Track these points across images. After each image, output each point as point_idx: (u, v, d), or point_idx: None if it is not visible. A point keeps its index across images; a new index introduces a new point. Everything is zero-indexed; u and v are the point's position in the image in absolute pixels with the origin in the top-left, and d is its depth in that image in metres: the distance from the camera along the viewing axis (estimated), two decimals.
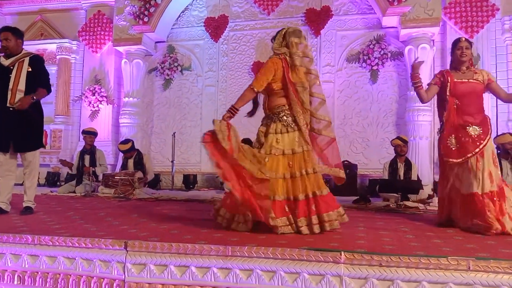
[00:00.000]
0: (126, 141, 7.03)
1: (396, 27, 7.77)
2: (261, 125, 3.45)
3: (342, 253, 2.27)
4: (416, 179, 6.10)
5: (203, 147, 3.15)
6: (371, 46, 7.89)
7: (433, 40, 7.61)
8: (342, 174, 3.42)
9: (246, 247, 2.41)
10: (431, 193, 6.22)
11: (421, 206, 5.10)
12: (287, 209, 3.10)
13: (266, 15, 8.51)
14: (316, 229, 3.03)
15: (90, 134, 7.08)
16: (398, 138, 6.27)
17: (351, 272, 2.23)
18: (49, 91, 4.19)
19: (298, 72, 3.34)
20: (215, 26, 8.66)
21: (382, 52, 7.85)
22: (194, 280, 2.42)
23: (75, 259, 2.66)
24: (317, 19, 8.16)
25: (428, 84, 3.80)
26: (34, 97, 3.99)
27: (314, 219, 3.05)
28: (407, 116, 7.51)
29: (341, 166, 3.49)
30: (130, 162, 6.97)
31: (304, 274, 2.28)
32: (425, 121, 7.39)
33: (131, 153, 6.98)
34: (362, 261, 2.24)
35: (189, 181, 7.98)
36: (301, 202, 3.09)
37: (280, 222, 3.03)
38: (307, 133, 3.31)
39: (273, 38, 3.47)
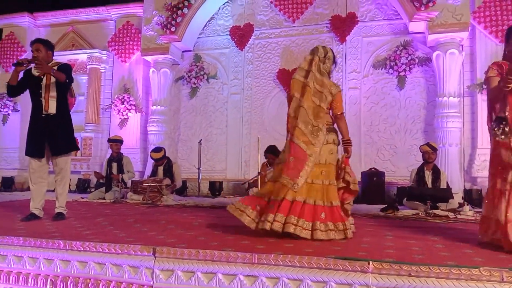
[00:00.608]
0: (158, 149, 7.12)
1: (423, 33, 7.65)
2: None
3: (370, 262, 2.24)
4: (445, 187, 5.96)
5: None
6: (398, 52, 7.79)
7: (461, 45, 7.46)
8: None
9: (273, 255, 2.41)
10: (462, 201, 6.06)
11: (451, 215, 4.97)
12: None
13: (291, 23, 8.54)
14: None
15: (115, 142, 7.23)
16: (427, 144, 6.14)
17: (379, 281, 2.20)
18: (68, 78, 4.22)
19: None
20: (241, 35, 8.75)
21: (409, 58, 7.73)
22: (220, 287, 2.44)
23: (105, 264, 2.72)
24: (343, 25, 8.13)
25: (487, 79, 3.07)
26: (54, 70, 4.08)
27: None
28: (436, 122, 7.36)
29: None
30: (160, 170, 7.10)
31: (331, 283, 2.26)
32: (455, 127, 7.22)
33: (162, 161, 7.10)
34: (390, 270, 2.21)
35: (215, 188, 8.05)
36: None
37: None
38: None
39: (315, 55, 3.48)
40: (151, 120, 8.97)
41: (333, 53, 3.59)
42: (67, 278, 2.80)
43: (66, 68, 4.29)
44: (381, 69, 8.00)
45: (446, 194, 5.64)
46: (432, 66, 7.60)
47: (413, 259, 2.43)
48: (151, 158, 7.35)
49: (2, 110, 9.94)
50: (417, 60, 7.76)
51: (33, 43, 4.27)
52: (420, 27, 7.56)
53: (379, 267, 2.22)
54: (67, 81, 4.23)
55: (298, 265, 2.34)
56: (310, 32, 8.48)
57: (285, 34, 8.65)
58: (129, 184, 7.04)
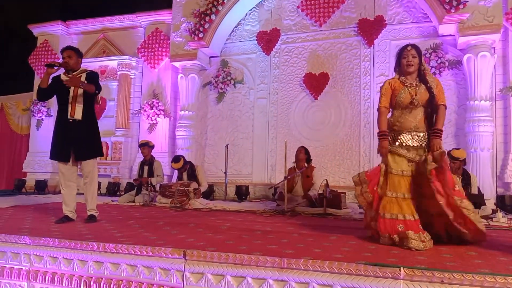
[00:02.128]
0: (177, 159, 7.16)
1: (453, 35, 7.50)
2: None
3: (402, 268, 2.21)
4: (476, 193, 5.79)
5: None
6: (428, 55, 7.65)
7: (493, 48, 7.27)
8: None
9: (302, 260, 2.41)
10: (494, 208, 5.89)
11: (483, 222, 4.83)
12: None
13: (318, 27, 8.52)
14: None
15: (144, 146, 7.37)
16: (449, 153, 5.57)
17: None
18: (97, 89, 4.36)
19: None
20: (267, 40, 8.78)
21: (439, 61, 7.58)
22: None
23: (136, 266, 2.78)
24: (370, 29, 8.05)
25: None
26: (83, 84, 4.20)
27: None
28: (467, 126, 7.18)
29: None
30: (184, 175, 7.19)
31: None
32: (487, 132, 7.03)
33: (185, 167, 7.19)
34: (422, 277, 2.18)
35: (242, 192, 8.08)
36: None
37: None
38: None
39: (414, 55, 3.37)
40: (179, 125, 9.10)
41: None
42: (100, 279, 2.88)
43: (94, 77, 4.42)
44: None
45: (478, 200, 5.48)
46: (462, 69, 7.43)
47: (445, 266, 2.39)
48: (172, 168, 7.45)
49: (36, 115, 10.30)
50: (447, 63, 7.60)
51: (64, 49, 4.43)
52: (450, 30, 7.42)
53: (410, 274, 2.20)
54: (97, 92, 4.38)
55: (328, 270, 2.34)
56: (337, 36, 8.44)
57: (312, 38, 8.63)
58: (158, 188, 7.16)
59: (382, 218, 3.19)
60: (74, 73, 4.36)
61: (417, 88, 3.29)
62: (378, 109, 3.47)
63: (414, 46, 3.39)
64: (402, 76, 3.40)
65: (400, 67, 3.44)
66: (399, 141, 3.28)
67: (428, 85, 3.28)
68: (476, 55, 7.07)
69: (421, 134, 3.26)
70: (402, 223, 3.10)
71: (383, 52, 8.11)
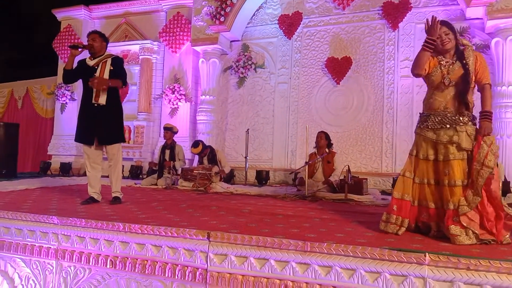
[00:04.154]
0: (196, 144, 7.21)
1: (481, 19, 7.26)
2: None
3: (427, 254, 2.19)
4: (502, 180, 5.68)
5: None
6: None
7: None
8: None
9: (325, 244, 2.42)
10: None
11: (509, 209, 4.74)
12: None
13: (341, 10, 8.36)
14: None
15: (166, 130, 7.44)
16: None
17: (435, 274, 2.16)
18: (124, 83, 4.45)
19: None
20: (289, 23, 8.68)
21: None
22: (273, 273, 2.48)
23: (161, 247, 2.83)
24: (395, 12, 7.86)
25: None
26: (109, 83, 4.27)
27: None
28: (494, 113, 6.99)
29: None
30: (205, 160, 7.23)
31: (385, 274, 2.24)
32: None
33: (205, 152, 7.24)
34: (448, 263, 2.16)
35: (262, 177, 8.10)
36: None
37: None
38: None
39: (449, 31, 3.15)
40: (200, 109, 9.14)
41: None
42: (126, 259, 2.95)
43: (119, 63, 4.46)
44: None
45: (504, 188, 5.38)
46: (490, 53, 7.20)
47: (471, 253, 2.36)
48: (192, 153, 7.51)
49: (60, 99, 10.50)
50: (474, 48, 7.36)
51: (90, 33, 4.48)
52: (478, 13, 7.18)
53: (436, 260, 2.18)
54: (123, 86, 4.45)
55: (352, 254, 2.33)
56: (360, 19, 8.27)
57: (335, 22, 8.49)
58: (180, 171, 7.24)
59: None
60: (100, 58, 4.39)
61: (450, 66, 3.07)
62: (412, 66, 3.21)
63: (444, 22, 3.17)
64: (438, 55, 3.15)
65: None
66: (426, 123, 3.09)
67: (464, 61, 3.04)
68: (505, 39, 6.85)
69: (449, 115, 3.01)
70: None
71: (408, 36, 7.92)
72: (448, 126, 2.99)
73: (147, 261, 2.87)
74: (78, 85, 4.98)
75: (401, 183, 3.08)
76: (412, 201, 3.04)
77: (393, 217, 2.97)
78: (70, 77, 4.51)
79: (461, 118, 2.99)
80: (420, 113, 3.28)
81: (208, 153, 7.24)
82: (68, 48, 4.52)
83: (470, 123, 3.01)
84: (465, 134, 2.95)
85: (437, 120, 3.05)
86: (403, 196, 3.02)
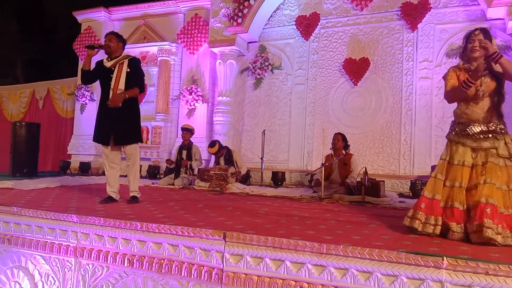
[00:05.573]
0: (213, 144, 7.27)
1: (503, 19, 7.12)
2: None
3: (445, 258, 2.16)
4: None
5: None
6: None
7: None
8: None
9: (342, 246, 2.40)
10: None
11: None
12: None
13: (359, 11, 8.31)
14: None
15: (185, 131, 7.51)
16: None
17: (453, 278, 2.12)
18: (141, 90, 4.50)
19: None
20: (307, 24, 8.66)
21: None
22: (289, 275, 2.48)
23: (178, 246, 2.85)
24: (414, 12, 7.77)
25: None
26: (126, 95, 4.31)
27: None
28: None
29: None
30: (222, 161, 7.29)
31: (402, 277, 2.21)
32: None
33: (221, 152, 7.27)
34: (466, 268, 2.12)
35: (278, 178, 8.10)
36: None
37: None
38: None
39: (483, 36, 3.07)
40: (217, 110, 9.18)
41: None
42: (143, 257, 2.98)
43: (136, 64, 4.50)
44: (455, 58, 7.54)
45: None
46: None
47: (490, 257, 2.31)
48: (209, 153, 7.55)
49: (80, 99, 10.68)
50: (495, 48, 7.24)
51: (107, 34, 4.56)
52: (499, 13, 7.05)
53: (454, 264, 2.14)
54: (141, 92, 4.50)
55: (368, 257, 2.31)
56: (379, 20, 8.20)
57: (353, 23, 8.44)
58: (196, 171, 7.29)
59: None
60: (117, 59, 4.45)
61: (483, 79, 2.99)
62: (446, 95, 3.22)
63: (483, 30, 3.10)
64: (467, 63, 3.11)
65: (465, 52, 3.16)
66: (466, 132, 3.05)
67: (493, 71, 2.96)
68: None
69: (490, 124, 2.99)
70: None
71: (427, 36, 7.82)
72: (490, 135, 3.00)
73: (163, 260, 2.90)
74: (97, 86, 5.05)
75: (432, 184, 3.10)
76: (441, 201, 3.04)
77: (420, 214, 2.99)
78: (87, 77, 4.59)
79: (499, 129, 3.01)
80: (453, 121, 3.26)
81: (224, 154, 7.28)
82: (85, 46, 4.60)
83: (506, 133, 3.04)
84: (503, 142, 2.98)
85: (477, 130, 3.03)
86: (434, 195, 3.04)
